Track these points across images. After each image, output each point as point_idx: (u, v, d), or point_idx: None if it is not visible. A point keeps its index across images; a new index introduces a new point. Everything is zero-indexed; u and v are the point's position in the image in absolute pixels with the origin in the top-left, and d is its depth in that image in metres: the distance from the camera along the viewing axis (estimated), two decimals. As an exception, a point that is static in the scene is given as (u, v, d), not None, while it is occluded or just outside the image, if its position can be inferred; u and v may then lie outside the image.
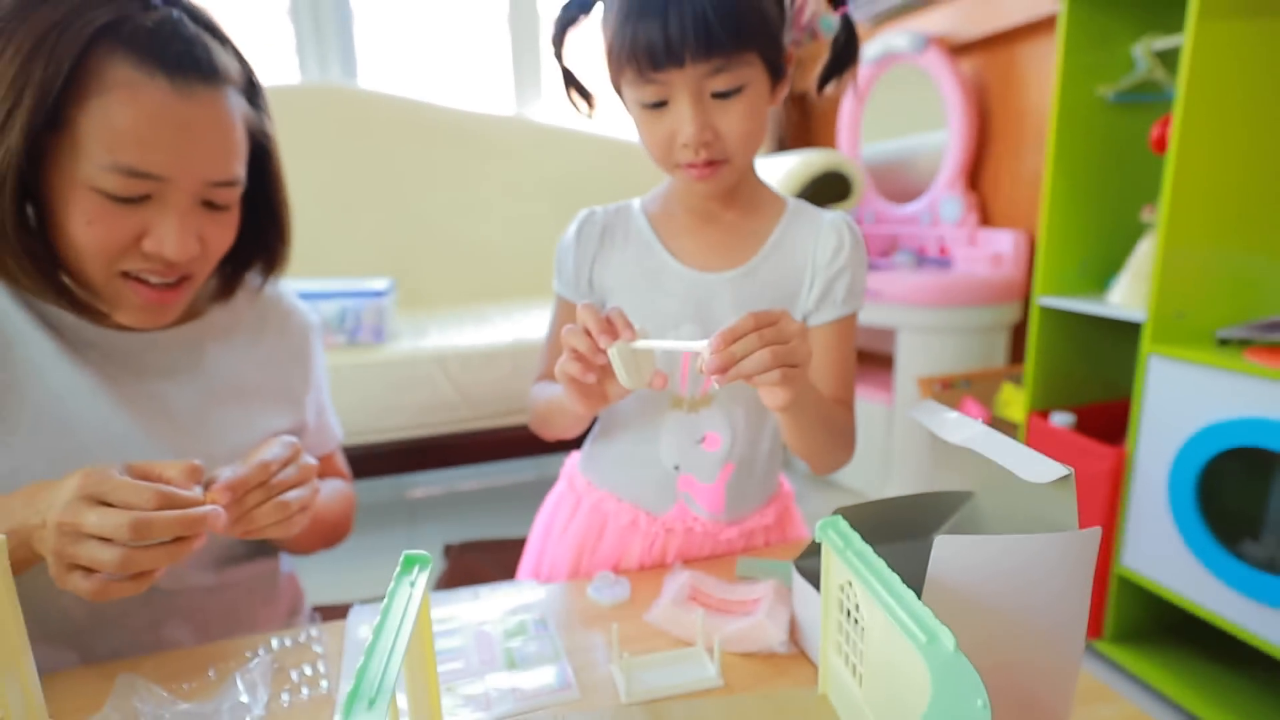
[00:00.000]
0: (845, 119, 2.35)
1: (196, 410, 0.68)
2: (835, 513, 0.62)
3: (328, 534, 0.79)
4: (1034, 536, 0.45)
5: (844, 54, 0.70)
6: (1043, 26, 1.77)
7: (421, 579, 0.43)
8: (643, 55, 0.61)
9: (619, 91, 0.69)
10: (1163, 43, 1.31)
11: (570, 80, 0.73)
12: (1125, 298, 1.29)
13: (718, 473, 0.76)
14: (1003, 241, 1.91)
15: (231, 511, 0.54)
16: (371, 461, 1.63)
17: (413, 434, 1.65)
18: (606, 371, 0.61)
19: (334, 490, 0.81)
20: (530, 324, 1.80)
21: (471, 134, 2.33)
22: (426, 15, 2.49)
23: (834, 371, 0.74)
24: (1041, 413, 1.49)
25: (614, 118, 0.71)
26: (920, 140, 2.22)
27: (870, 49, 2.13)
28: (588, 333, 0.59)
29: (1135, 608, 1.35)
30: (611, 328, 0.58)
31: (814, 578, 0.56)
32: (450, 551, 1.71)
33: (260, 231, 0.71)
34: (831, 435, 0.71)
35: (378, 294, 1.60)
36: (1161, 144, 1.19)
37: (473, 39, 2.57)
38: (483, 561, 1.60)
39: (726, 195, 0.73)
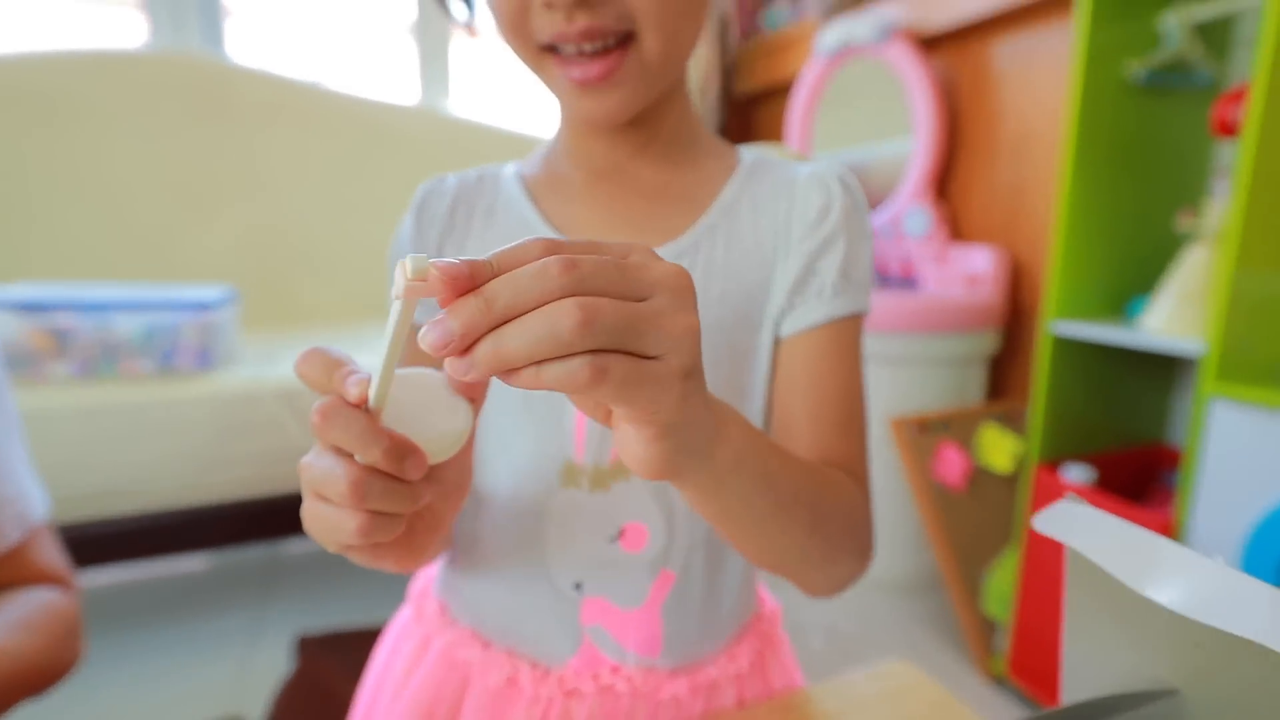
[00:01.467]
0: (795, 123, 2.09)
1: None
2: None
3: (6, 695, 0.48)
4: None
5: None
6: (1018, 17, 1.55)
7: None
8: None
9: None
10: (1206, 10, 1.06)
11: None
12: (1170, 323, 1.03)
13: (648, 589, 0.47)
14: (978, 259, 1.66)
15: None
16: (198, 530, 1.23)
17: (257, 492, 1.25)
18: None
19: (19, 616, 0.51)
20: (419, 349, 1.43)
21: (364, 124, 1.98)
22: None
23: (828, 411, 0.45)
24: (1050, 464, 1.21)
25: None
26: (881, 148, 1.97)
27: (826, 38, 1.88)
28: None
29: None
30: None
31: None
32: (303, 648, 1.30)
33: None
34: (818, 529, 0.38)
35: (202, 306, 1.20)
36: (1226, 126, 0.93)
37: (371, 12, 2.20)
38: (341, 665, 1.21)
39: (644, 137, 0.48)
